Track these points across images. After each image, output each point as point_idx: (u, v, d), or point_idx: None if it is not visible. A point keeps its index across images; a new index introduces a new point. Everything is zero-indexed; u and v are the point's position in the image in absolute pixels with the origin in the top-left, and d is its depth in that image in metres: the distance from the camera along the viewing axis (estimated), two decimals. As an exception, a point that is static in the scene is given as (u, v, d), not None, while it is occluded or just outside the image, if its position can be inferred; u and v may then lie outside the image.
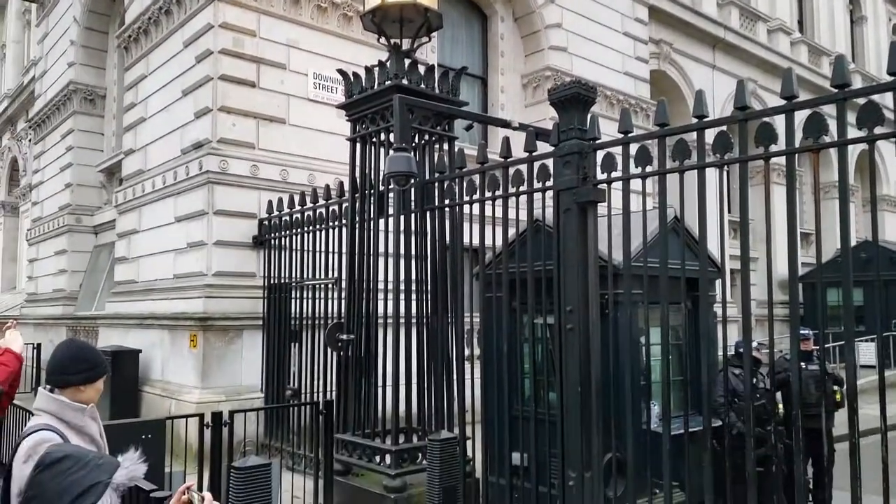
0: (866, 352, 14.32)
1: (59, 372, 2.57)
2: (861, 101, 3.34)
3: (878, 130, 3.27)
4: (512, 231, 5.28)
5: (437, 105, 6.32)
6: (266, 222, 8.95)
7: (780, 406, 5.66)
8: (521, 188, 5.03)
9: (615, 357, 4.56)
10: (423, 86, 6.33)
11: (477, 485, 5.40)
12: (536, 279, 4.90)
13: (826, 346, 13.88)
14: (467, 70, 7.25)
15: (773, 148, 3.58)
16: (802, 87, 18.57)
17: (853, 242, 18.62)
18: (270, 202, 8.78)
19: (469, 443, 5.52)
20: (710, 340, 4.22)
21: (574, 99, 4.62)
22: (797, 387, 3.50)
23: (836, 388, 6.10)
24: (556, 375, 4.67)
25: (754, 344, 5.22)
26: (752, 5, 20.19)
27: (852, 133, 3.26)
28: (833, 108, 3.40)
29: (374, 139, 6.50)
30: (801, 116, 3.45)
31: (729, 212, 16.08)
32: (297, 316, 8.01)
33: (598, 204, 4.58)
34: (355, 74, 6.64)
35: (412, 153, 5.88)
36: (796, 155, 3.60)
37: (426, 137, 6.38)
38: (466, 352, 5.71)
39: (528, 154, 4.99)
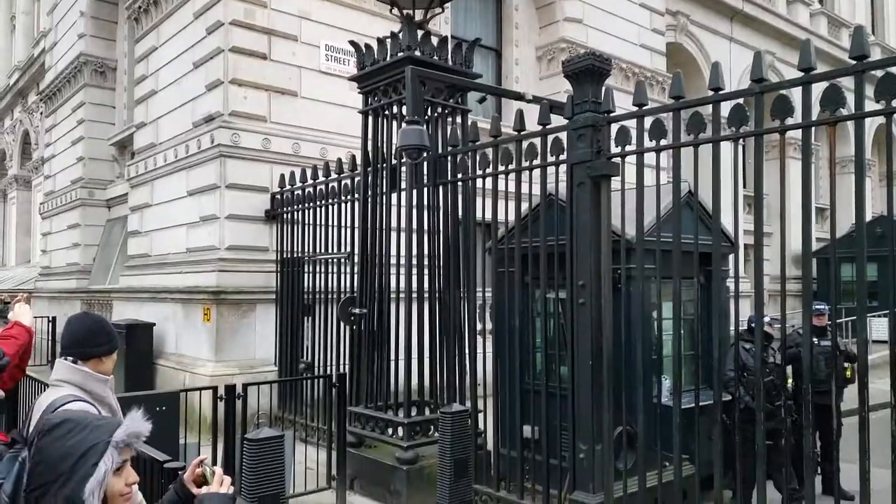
0: (879, 327, 14.23)
1: (81, 344, 2.57)
2: (880, 73, 3.28)
3: None
4: (525, 206, 5.27)
5: (450, 77, 6.26)
6: (278, 196, 8.96)
7: (790, 381, 5.65)
8: (535, 162, 5.00)
9: (627, 331, 4.56)
10: (435, 58, 6.28)
11: (488, 457, 5.46)
12: (549, 254, 4.90)
13: (839, 321, 13.83)
14: (481, 42, 7.19)
15: (790, 121, 3.54)
16: (821, 59, 18.26)
17: (868, 217, 18.44)
18: (283, 176, 8.78)
19: (481, 416, 5.58)
20: (722, 315, 4.21)
21: (588, 71, 4.57)
22: (808, 362, 3.51)
23: (846, 364, 6.08)
24: (568, 350, 4.69)
25: (767, 319, 5.20)
26: (770, -25, 19.76)
27: (870, 106, 3.21)
28: (852, 82, 3.35)
29: (387, 112, 6.48)
30: (819, 90, 3.40)
31: (744, 186, 15.92)
32: (310, 290, 8.06)
33: (612, 178, 4.56)
34: (367, 46, 6.59)
35: (425, 126, 5.85)
36: (813, 128, 3.56)
37: (439, 110, 6.34)
38: (478, 326, 5.74)
39: (541, 127, 4.96)
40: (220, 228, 9.02)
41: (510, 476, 5.15)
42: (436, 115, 6.34)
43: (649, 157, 4.26)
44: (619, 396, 4.46)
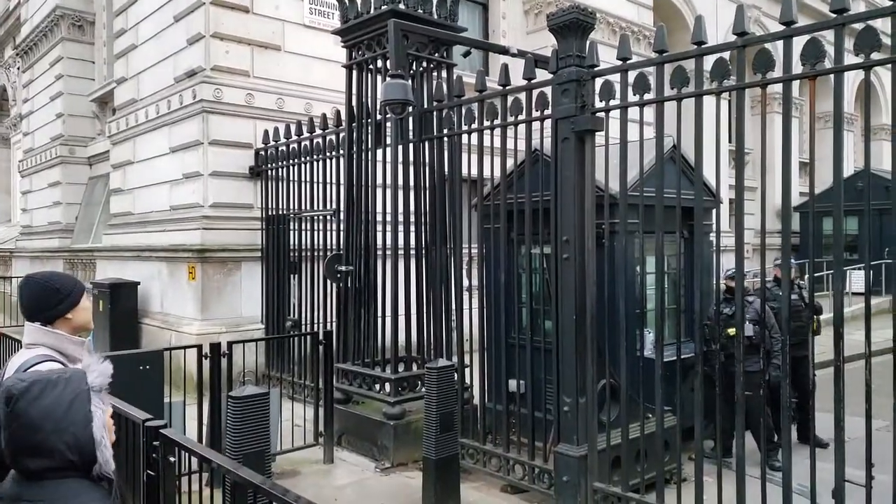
0: (858, 279, 14.46)
1: (39, 310, 2.44)
2: (860, 27, 3.27)
3: (875, 56, 3.21)
4: (511, 161, 5.25)
5: (434, 30, 6.16)
6: (262, 152, 8.86)
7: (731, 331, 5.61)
8: (520, 117, 4.96)
9: (610, 286, 4.61)
10: (420, 11, 6.16)
11: (475, 411, 5.55)
12: (534, 210, 4.90)
13: (818, 273, 14.04)
14: (465, -6, 7.03)
15: (771, 75, 3.52)
16: (806, 13, 18.01)
17: (851, 172, 18.52)
18: (266, 132, 8.67)
19: (467, 371, 5.65)
20: (704, 269, 4.26)
21: (573, 25, 4.50)
22: (787, 314, 3.57)
23: (813, 317, 6.12)
24: (552, 304, 4.73)
25: (730, 272, 5.27)
26: (761, -74, 19.34)
27: (850, 60, 3.21)
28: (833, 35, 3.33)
29: (371, 66, 6.37)
30: (802, 44, 3.38)
31: (730, 141, 15.89)
32: (296, 247, 8.04)
33: (597, 133, 4.53)
34: (350, -1, 6.45)
35: (409, 80, 5.77)
36: (794, 82, 3.55)
37: (424, 64, 6.25)
38: (465, 282, 5.76)
39: (526, 82, 4.91)
40: (204, 186, 8.93)
41: (496, 429, 5.25)
42: (421, 69, 6.25)
43: (634, 112, 4.23)
44: (603, 350, 4.53)
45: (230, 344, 5.35)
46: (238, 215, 8.99)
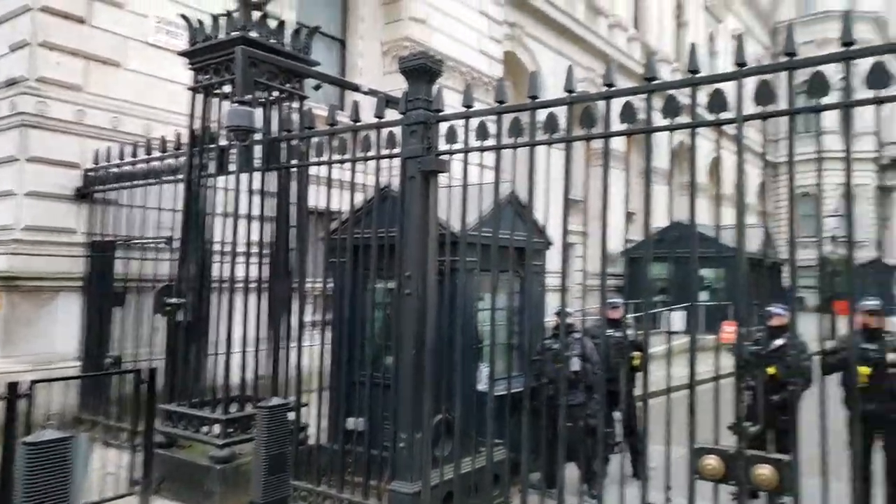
0: (677, 320, 15.81)
1: None
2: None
3: (679, 120, 3.68)
4: (360, 196, 5.27)
5: (284, 61, 6.12)
6: (92, 173, 8.20)
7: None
8: (370, 153, 5.02)
9: (449, 322, 4.71)
10: (273, 41, 6.11)
11: (311, 451, 5.37)
12: (380, 245, 4.94)
13: (638, 314, 15.31)
14: (320, 29, 7.07)
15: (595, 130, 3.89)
16: (634, 79, 20.00)
17: (668, 223, 20.64)
18: (97, 152, 8.05)
19: (306, 410, 5.47)
20: (534, 307, 4.50)
21: (421, 70, 4.68)
22: (605, 352, 3.86)
23: (635, 353, 6.68)
24: (394, 339, 4.74)
25: (557, 310, 5.62)
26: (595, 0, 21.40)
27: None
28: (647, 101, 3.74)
29: (217, 90, 6.19)
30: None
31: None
32: (123, 277, 7.46)
33: (441, 174, 4.69)
34: (200, 22, 6.28)
35: (257, 108, 5.66)
36: (613, 138, 3.94)
37: (276, 94, 6.17)
38: (307, 317, 5.63)
39: (377, 120, 4.99)
40: (18, 206, 8.06)
41: (332, 470, 5.11)
42: (272, 98, 6.16)
43: (475, 156, 4.44)
44: (440, 384, 4.59)
45: (33, 383, 4.78)
46: (57, 240, 8.19)
